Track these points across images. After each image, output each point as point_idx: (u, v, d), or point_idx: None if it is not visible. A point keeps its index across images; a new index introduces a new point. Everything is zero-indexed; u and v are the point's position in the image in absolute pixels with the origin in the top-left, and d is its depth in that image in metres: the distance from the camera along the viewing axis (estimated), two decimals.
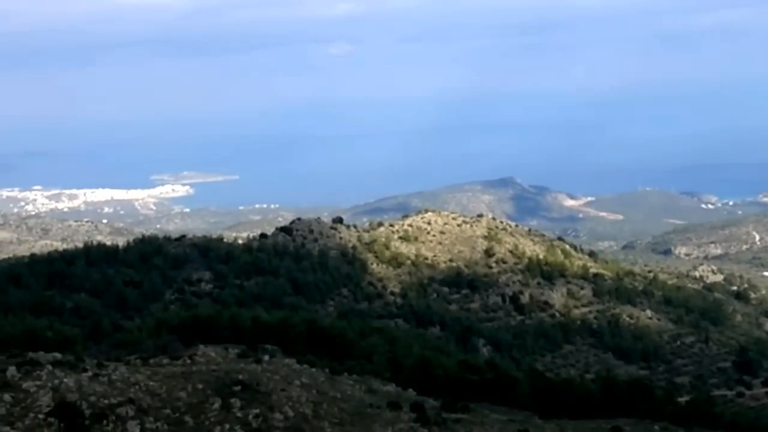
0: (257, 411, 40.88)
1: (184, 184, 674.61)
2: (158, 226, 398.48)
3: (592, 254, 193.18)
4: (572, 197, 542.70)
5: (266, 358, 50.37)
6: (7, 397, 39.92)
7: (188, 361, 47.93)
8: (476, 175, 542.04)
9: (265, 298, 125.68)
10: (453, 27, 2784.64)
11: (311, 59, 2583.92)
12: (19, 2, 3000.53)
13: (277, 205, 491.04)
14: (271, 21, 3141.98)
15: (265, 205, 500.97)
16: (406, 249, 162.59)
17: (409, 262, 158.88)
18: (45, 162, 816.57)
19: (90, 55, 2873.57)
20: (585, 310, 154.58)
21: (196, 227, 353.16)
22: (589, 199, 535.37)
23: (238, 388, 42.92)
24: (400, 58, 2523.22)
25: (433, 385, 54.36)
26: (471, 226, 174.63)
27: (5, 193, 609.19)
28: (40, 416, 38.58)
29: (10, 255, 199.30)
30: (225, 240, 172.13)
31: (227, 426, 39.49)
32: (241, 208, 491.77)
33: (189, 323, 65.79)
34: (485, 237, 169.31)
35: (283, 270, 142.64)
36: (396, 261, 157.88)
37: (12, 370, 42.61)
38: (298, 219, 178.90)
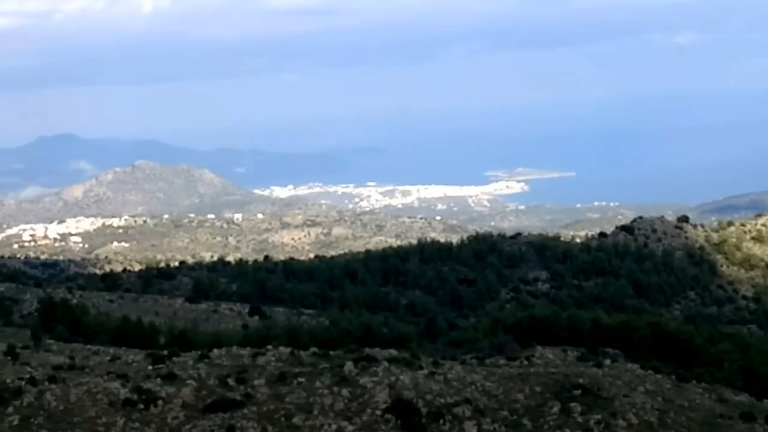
0: (599, 417, 40.34)
1: (518, 181, 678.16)
2: (492, 223, 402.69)
3: None
4: None
5: (607, 362, 49.63)
6: (344, 392, 41.55)
7: (525, 363, 48.02)
8: None
9: (605, 299, 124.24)
10: None
11: (655, 49, 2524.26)
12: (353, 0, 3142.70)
13: (617, 203, 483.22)
14: (613, 9, 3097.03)
15: (603, 203, 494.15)
16: (760, 250, 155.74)
17: (763, 264, 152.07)
18: (379, 158, 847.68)
19: (425, 50, 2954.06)
20: None
21: (531, 225, 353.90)
22: None
23: (578, 392, 42.55)
24: (753, 47, 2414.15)
25: None
26: None
27: (340, 189, 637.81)
28: (377, 412, 39.87)
29: (346, 251, 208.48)
30: (562, 239, 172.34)
31: (567, 431, 39.18)
32: (578, 205, 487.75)
33: (525, 323, 65.95)
34: None
35: (624, 271, 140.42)
36: (748, 263, 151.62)
37: (349, 366, 44.31)
38: (640, 217, 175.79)
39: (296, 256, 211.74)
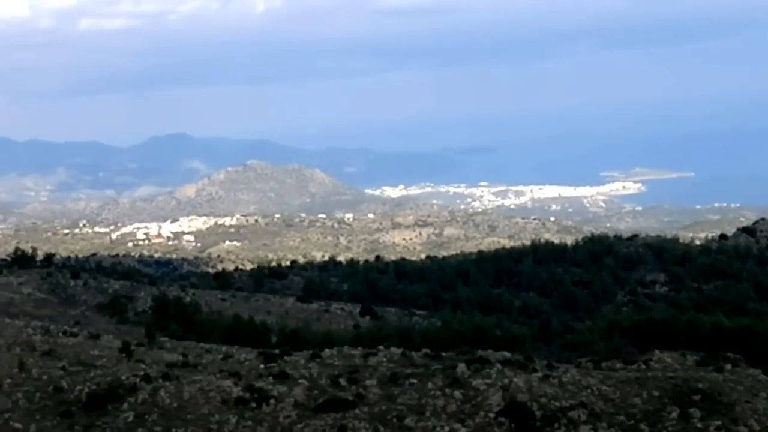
0: (719, 423, 39.63)
1: (635, 182, 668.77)
2: (608, 224, 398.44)
3: None
4: None
5: (728, 367, 48.68)
6: (457, 394, 41.57)
7: (643, 367, 47.40)
8: None
9: (725, 302, 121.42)
10: None
11: None
12: None
13: (737, 204, 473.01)
14: (728, 6, 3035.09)
15: (724, 204, 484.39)
16: None
17: None
18: (491, 158, 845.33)
19: (537, 49, 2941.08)
20: None
21: (648, 226, 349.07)
22: None
23: (697, 397, 41.87)
24: None
25: None
26: None
27: (452, 189, 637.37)
28: (491, 415, 39.80)
29: (458, 251, 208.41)
30: (680, 240, 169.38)
31: None
32: (697, 206, 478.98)
33: (643, 327, 65.02)
34: None
35: (746, 273, 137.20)
36: None
37: (462, 367, 44.31)
38: (762, 219, 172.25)
39: (407, 256, 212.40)
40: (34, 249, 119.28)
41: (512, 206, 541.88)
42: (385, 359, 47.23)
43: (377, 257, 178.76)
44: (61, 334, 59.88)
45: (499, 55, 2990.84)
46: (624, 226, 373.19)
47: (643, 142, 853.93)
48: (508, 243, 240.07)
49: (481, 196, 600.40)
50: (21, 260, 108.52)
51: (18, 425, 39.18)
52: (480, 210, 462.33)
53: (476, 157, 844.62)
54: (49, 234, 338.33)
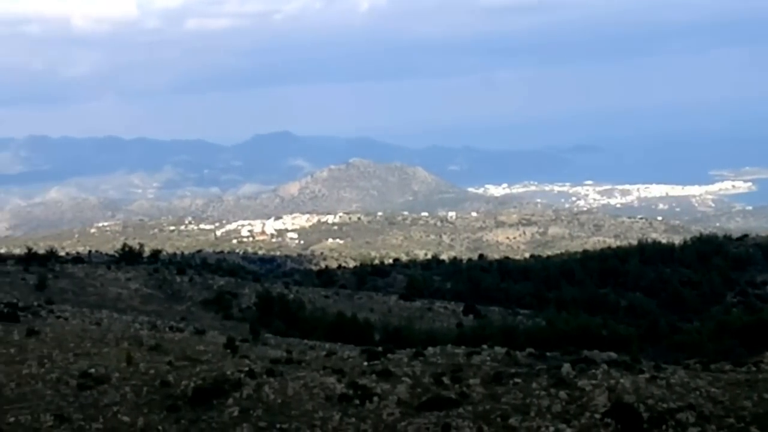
0: None
1: (745, 181, 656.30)
2: (717, 224, 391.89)
3: None
4: None
5: None
6: (562, 394, 41.17)
7: (753, 369, 46.45)
8: None
9: None
10: None
11: None
12: None
13: None
14: None
15: None
16: None
17: None
18: (596, 156, 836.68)
19: (645, 45, 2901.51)
20: None
21: (758, 226, 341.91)
22: None
23: None
24: None
25: None
26: None
27: (557, 188, 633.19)
28: (596, 416, 39.32)
29: (563, 250, 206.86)
30: None
31: None
32: None
33: (753, 328, 63.79)
34: None
35: None
36: None
37: (567, 368, 43.87)
38: None
39: (511, 255, 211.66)
40: (141, 245, 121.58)
41: (618, 205, 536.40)
42: (488, 358, 46.98)
43: (480, 256, 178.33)
44: (167, 329, 60.83)
45: (604, 52, 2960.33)
46: (734, 226, 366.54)
47: (754, 140, 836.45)
48: (613, 242, 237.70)
49: (586, 195, 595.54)
50: (128, 256, 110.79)
51: (126, 418, 39.85)
52: (585, 209, 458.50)
53: (581, 156, 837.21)
54: (156, 230, 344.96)
